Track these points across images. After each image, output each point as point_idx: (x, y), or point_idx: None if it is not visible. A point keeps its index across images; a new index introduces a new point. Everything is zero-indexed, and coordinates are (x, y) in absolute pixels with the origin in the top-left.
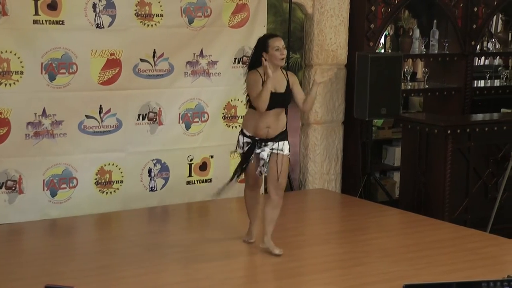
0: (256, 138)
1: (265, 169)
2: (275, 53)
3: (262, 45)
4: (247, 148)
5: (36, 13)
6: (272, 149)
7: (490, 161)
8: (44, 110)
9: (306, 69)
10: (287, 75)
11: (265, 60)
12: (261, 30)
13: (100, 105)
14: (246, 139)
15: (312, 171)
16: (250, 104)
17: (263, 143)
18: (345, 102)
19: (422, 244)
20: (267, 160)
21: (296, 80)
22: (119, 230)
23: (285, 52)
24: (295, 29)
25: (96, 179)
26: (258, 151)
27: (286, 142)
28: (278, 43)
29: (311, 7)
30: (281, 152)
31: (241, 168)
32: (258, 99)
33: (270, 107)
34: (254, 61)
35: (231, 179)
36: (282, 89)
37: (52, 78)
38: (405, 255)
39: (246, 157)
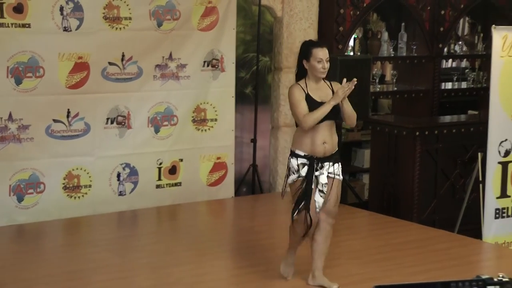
0: (314, 157)
1: (322, 196)
2: (316, 64)
3: (304, 52)
4: (303, 170)
5: (2, 16)
6: (330, 172)
7: (458, 162)
8: (10, 115)
9: (276, 72)
10: (331, 85)
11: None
12: (231, 33)
13: (68, 109)
14: (301, 160)
15: (282, 174)
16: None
17: (320, 164)
18: None
19: (391, 246)
20: (325, 185)
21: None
22: (88, 235)
23: (327, 65)
24: (264, 32)
25: (64, 183)
26: (316, 173)
27: (339, 165)
28: (322, 54)
29: (281, 10)
30: (338, 177)
31: (307, 196)
32: (308, 118)
33: (321, 119)
34: (301, 70)
35: (292, 213)
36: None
37: (18, 82)
38: (374, 256)
39: (309, 182)
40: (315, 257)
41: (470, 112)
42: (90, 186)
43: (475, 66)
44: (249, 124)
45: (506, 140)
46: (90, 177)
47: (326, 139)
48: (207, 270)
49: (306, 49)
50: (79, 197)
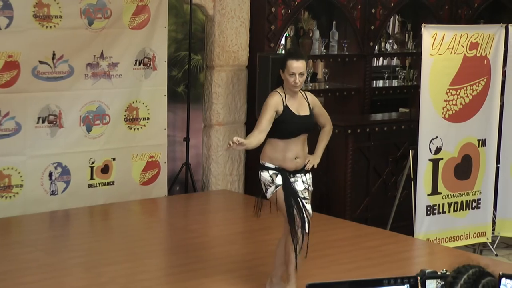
0: (285, 170)
1: (307, 202)
2: (288, 78)
3: (281, 62)
4: (278, 179)
5: None
6: (303, 181)
7: (390, 160)
8: None
9: (208, 70)
10: (306, 96)
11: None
12: (162, 32)
13: None
14: (272, 171)
15: (215, 172)
16: (271, 133)
17: (291, 175)
18: (247, 103)
19: (325, 243)
20: (304, 191)
21: (316, 100)
22: (19, 235)
23: (300, 79)
24: (196, 31)
25: None
26: (291, 180)
27: (310, 175)
28: (295, 68)
29: (212, 8)
30: (309, 188)
31: (296, 203)
32: (257, 139)
33: (297, 132)
34: (276, 78)
35: (291, 224)
36: (305, 111)
37: None
38: (308, 254)
39: (288, 186)
40: (277, 264)
41: (401, 110)
42: (21, 185)
43: (406, 64)
44: (181, 123)
45: (436, 137)
46: (21, 176)
47: (298, 153)
48: (141, 269)
49: (283, 59)
50: (10, 197)
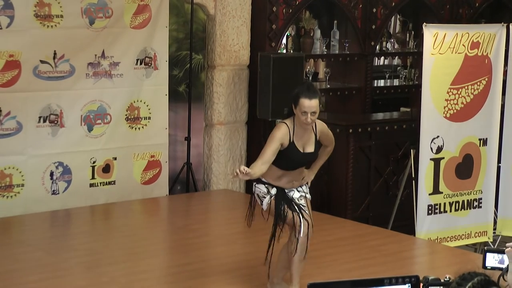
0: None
1: (305, 209)
2: (300, 115)
3: (293, 97)
4: (273, 190)
5: None
6: (300, 191)
7: (391, 159)
8: None
9: (209, 70)
10: (315, 128)
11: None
12: (163, 31)
13: None
14: (268, 185)
15: (216, 172)
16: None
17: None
18: (248, 103)
19: (326, 243)
20: (300, 198)
21: (324, 128)
22: (20, 234)
23: (312, 118)
24: (197, 30)
25: None
26: (286, 190)
27: (307, 185)
28: (308, 108)
29: (213, 8)
30: (308, 196)
31: (288, 205)
32: (260, 169)
33: (297, 167)
34: (288, 111)
35: (272, 236)
36: (311, 148)
37: None
38: (309, 253)
39: (281, 194)
40: (279, 267)
41: (402, 109)
42: (22, 185)
43: (407, 63)
44: (182, 122)
45: (438, 137)
46: (22, 176)
47: (295, 178)
48: (142, 269)
49: (295, 95)
50: (11, 196)
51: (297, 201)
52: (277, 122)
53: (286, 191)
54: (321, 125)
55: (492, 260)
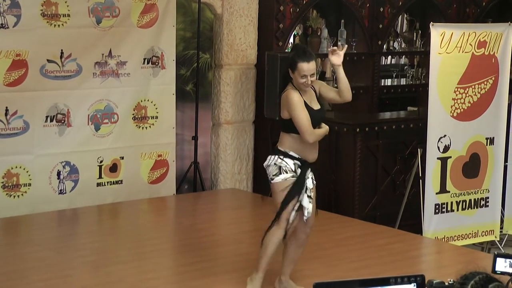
0: (306, 162)
1: (310, 201)
2: (299, 79)
3: (290, 63)
4: (298, 171)
5: None
6: (312, 178)
7: (398, 158)
8: None
9: (216, 69)
10: (314, 88)
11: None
12: (171, 30)
13: (6, 107)
14: (296, 161)
15: (223, 171)
16: (289, 128)
17: (309, 168)
18: (255, 102)
19: (333, 242)
20: (312, 190)
21: (321, 84)
22: (27, 234)
23: (312, 79)
24: (205, 29)
25: (3, 182)
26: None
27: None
28: (307, 70)
29: (220, 7)
30: (314, 182)
31: (297, 195)
32: (314, 135)
33: (313, 126)
34: (283, 76)
35: (279, 213)
36: (317, 105)
37: None
38: (316, 253)
39: (301, 182)
40: (285, 263)
41: (409, 108)
42: (29, 184)
43: (414, 62)
44: (190, 121)
45: (445, 136)
46: (29, 175)
47: (316, 145)
48: (149, 268)
49: (291, 61)
50: (18, 196)
51: (309, 192)
52: (282, 94)
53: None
54: (317, 83)
55: (502, 264)
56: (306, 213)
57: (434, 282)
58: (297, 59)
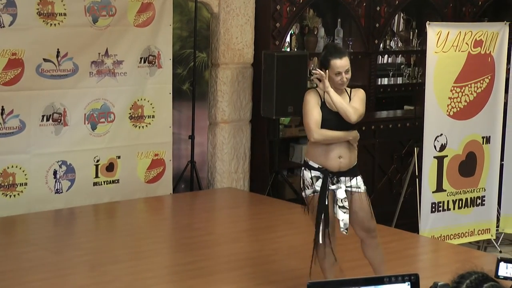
0: (328, 171)
1: (345, 212)
2: (334, 77)
3: (322, 61)
4: (317, 183)
5: None
6: (349, 186)
7: (394, 157)
8: None
9: (213, 68)
10: (350, 93)
11: (320, 79)
12: (167, 30)
13: (2, 106)
14: (314, 173)
15: (220, 170)
16: None
17: (335, 178)
18: (252, 101)
19: None
20: (344, 200)
21: (357, 93)
22: (23, 233)
23: (347, 76)
24: (201, 28)
25: None
26: (332, 187)
27: (360, 177)
28: (341, 66)
29: (217, 6)
30: (359, 190)
31: (323, 213)
32: (320, 133)
33: (336, 129)
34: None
35: (316, 239)
36: None
37: None
38: (312, 252)
39: (322, 198)
40: (375, 268)
41: (406, 107)
42: (25, 184)
43: (410, 61)
44: (186, 121)
45: (441, 135)
46: (25, 175)
47: (342, 153)
48: (146, 268)
49: (324, 59)
50: (14, 195)
51: (340, 202)
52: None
53: (333, 187)
54: (355, 91)
55: (505, 269)
56: (342, 225)
57: (439, 284)
58: (329, 57)
